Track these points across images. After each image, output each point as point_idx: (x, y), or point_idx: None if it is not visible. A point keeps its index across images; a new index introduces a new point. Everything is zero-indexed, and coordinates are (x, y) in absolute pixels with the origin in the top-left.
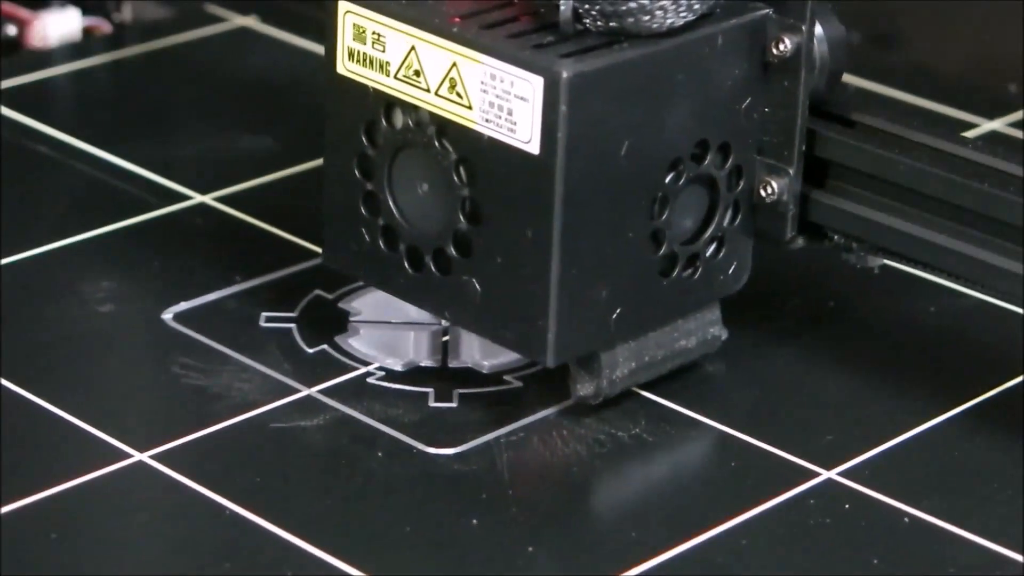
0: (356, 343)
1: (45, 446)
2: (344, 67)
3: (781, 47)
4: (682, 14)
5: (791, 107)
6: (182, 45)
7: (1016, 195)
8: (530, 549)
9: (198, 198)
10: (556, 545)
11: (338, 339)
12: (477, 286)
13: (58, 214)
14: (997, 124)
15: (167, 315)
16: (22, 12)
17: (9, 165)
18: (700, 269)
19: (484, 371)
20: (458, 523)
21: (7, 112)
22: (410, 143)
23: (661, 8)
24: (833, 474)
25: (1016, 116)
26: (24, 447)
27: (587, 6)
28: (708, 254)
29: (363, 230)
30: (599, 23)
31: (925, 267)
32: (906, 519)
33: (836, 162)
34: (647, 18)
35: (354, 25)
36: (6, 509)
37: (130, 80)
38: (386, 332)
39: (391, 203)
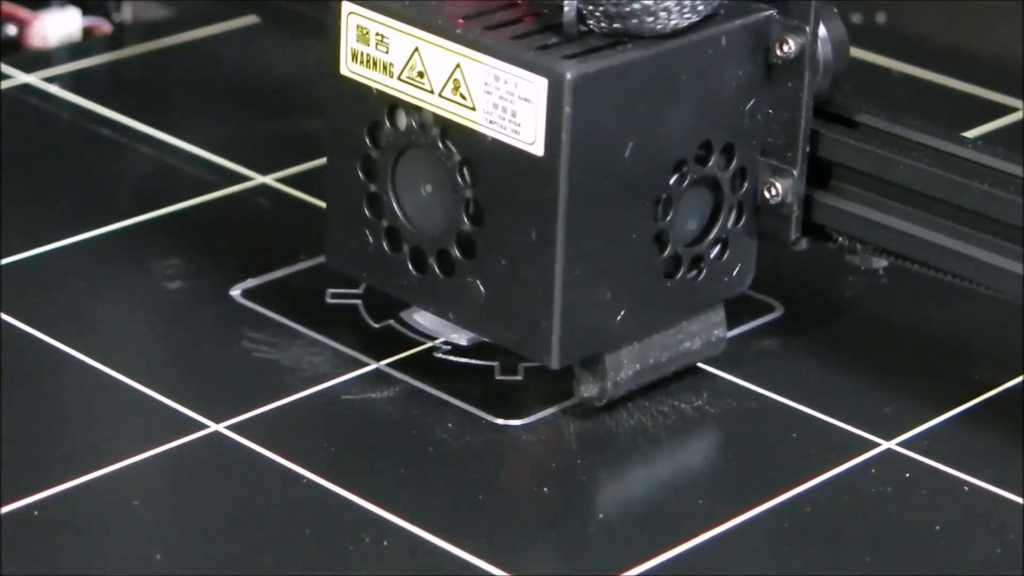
0: (421, 319)
1: (123, 417)
2: (347, 68)
3: (785, 48)
4: (686, 15)
5: (795, 108)
6: (185, 43)
7: (1017, 195)
8: (600, 516)
9: (259, 179)
10: (626, 511)
11: (403, 315)
12: (481, 287)
13: (122, 195)
14: None
15: (235, 291)
16: (22, 12)
17: (70, 147)
18: (704, 271)
19: None
20: (529, 491)
21: (65, 95)
22: (413, 144)
23: (665, 9)
24: (893, 444)
25: None
26: (103, 419)
27: (591, 7)
28: (712, 256)
29: (366, 231)
30: (603, 24)
31: (928, 268)
32: (966, 487)
33: (839, 163)
34: (651, 19)
35: (357, 26)
36: (89, 478)
37: (157, 72)
38: None
39: (395, 204)
